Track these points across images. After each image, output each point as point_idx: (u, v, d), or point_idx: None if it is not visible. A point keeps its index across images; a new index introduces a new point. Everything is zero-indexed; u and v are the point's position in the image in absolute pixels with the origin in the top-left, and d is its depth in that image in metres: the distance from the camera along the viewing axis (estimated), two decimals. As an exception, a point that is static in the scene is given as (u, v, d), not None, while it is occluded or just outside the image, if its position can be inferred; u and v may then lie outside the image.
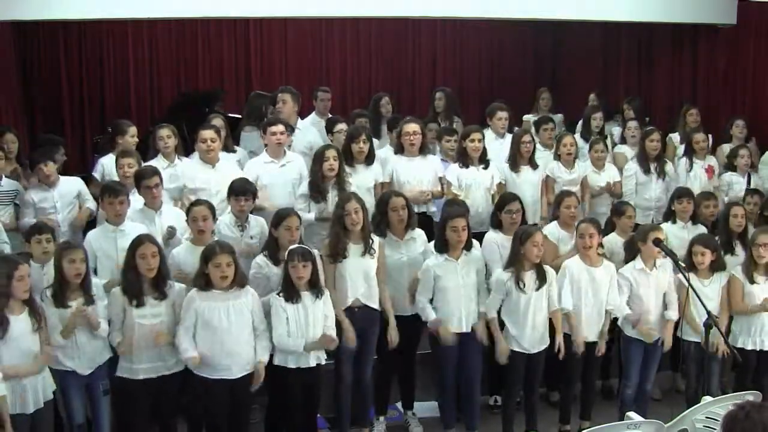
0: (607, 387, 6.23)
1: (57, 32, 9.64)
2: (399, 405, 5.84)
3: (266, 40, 10.58)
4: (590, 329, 5.39)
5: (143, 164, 6.01)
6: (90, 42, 9.89)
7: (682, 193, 6.18)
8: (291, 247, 4.89)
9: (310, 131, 7.16)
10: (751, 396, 3.90)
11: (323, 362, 4.96)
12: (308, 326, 4.82)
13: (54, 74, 9.78)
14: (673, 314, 5.43)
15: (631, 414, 4.00)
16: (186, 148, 6.69)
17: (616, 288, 5.41)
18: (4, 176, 6.05)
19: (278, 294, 4.85)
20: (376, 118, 7.63)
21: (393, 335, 5.30)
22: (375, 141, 7.34)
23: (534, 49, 11.51)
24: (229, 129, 6.88)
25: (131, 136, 6.66)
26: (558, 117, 8.63)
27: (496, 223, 5.65)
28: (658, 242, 5.30)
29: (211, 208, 5.22)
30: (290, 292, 4.81)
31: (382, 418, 5.67)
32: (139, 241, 4.70)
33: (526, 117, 8.63)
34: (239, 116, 7.91)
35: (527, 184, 6.59)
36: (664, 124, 8.08)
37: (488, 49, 11.42)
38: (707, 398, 4.10)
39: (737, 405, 2.80)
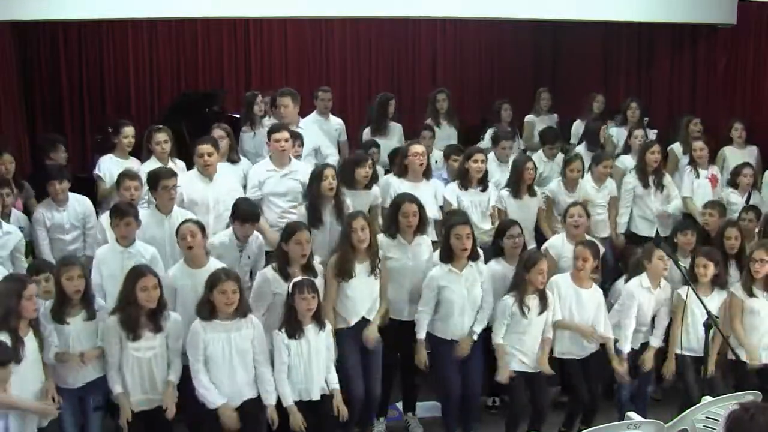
0: (608, 388, 6.22)
1: (57, 32, 9.63)
2: (399, 405, 5.84)
3: (266, 40, 10.57)
4: (577, 347, 5.38)
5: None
6: (90, 42, 9.88)
7: (685, 227, 6.04)
8: (296, 279, 4.80)
9: (312, 131, 7.15)
10: (751, 396, 3.90)
11: (334, 386, 4.88)
12: (311, 361, 4.76)
13: (54, 74, 9.77)
14: (656, 342, 5.47)
15: (631, 414, 4.01)
16: (186, 148, 6.68)
17: (605, 314, 5.39)
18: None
19: (280, 329, 4.76)
20: (382, 119, 7.63)
21: (369, 337, 5.21)
22: (380, 140, 7.37)
23: (534, 49, 11.50)
24: (233, 136, 6.82)
25: (124, 136, 6.63)
26: (553, 117, 8.63)
27: (498, 251, 5.62)
28: (657, 242, 5.34)
29: (199, 224, 5.11)
30: (294, 327, 4.73)
31: (382, 419, 5.67)
32: (140, 273, 4.58)
33: (528, 118, 8.62)
34: (239, 116, 7.92)
35: (526, 210, 6.47)
36: (662, 125, 8.08)
37: (488, 49, 11.41)
38: (707, 398, 4.10)
39: (741, 405, 2.74)
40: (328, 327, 4.90)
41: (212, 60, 10.39)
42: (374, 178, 6.15)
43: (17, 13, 7.02)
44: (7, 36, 8.64)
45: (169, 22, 9.85)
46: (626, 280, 5.63)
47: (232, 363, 4.63)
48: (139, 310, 4.56)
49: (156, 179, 5.54)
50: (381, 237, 5.38)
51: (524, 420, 5.34)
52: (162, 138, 6.33)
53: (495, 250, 5.66)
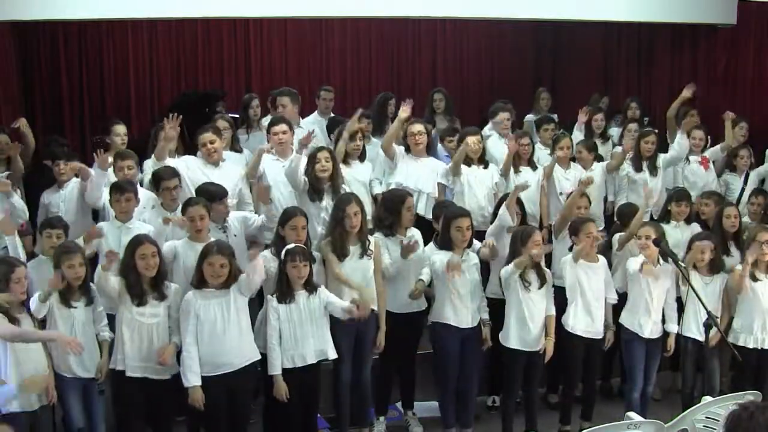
0: (607, 387, 6.25)
1: (57, 32, 9.62)
2: (399, 405, 5.84)
3: (266, 40, 10.57)
4: (596, 325, 5.42)
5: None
6: (90, 42, 9.87)
7: (681, 197, 6.18)
8: (288, 246, 4.89)
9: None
10: (751, 396, 3.90)
11: (331, 356, 4.96)
12: (302, 325, 4.84)
13: (54, 74, 9.77)
14: (673, 327, 5.49)
15: (631, 414, 4.02)
16: (186, 148, 6.67)
17: (610, 277, 5.53)
18: None
19: (272, 295, 4.87)
20: (381, 118, 7.64)
21: (381, 339, 5.33)
22: (379, 140, 7.39)
23: (534, 49, 11.51)
24: (234, 130, 6.88)
25: (116, 135, 6.66)
26: (552, 117, 8.62)
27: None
28: (657, 242, 5.31)
29: (207, 206, 5.20)
30: (285, 293, 4.84)
31: (382, 418, 5.68)
32: (138, 241, 4.71)
33: (527, 117, 8.63)
34: (237, 116, 7.91)
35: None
36: (663, 124, 8.08)
37: (488, 49, 11.41)
38: (707, 398, 4.10)
39: (741, 405, 2.76)
40: (321, 288, 4.94)
41: (212, 60, 10.38)
42: (364, 152, 6.29)
43: (17, 13, 7.01)
44: (7, 36, 8.63)
45: (169, 22, 9.84)
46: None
47: (228, 327, 4.67)
48: (140, 278, 4.67)
49: (158, 180, 5.59)
50: (376, 236, 5.41)
51: (516, 394, 5.44)
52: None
53: (493, 220, 5.75)
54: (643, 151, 7.01)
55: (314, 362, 4.91)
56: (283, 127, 6.16)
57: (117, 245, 5.07)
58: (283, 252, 4.87)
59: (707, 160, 7.23)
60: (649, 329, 5.45)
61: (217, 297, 4.69)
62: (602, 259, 5.56)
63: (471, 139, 6.40)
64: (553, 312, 5.34)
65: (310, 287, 4.91)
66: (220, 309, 4.68)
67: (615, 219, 6.46)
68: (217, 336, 4.66)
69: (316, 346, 4.90)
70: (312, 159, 5.81)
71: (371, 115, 7.59)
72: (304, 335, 4.85)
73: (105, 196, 5.63)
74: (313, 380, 4.96)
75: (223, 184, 5.62)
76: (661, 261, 5.46)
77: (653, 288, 5.43)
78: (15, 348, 4.36)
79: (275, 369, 4.81)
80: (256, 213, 5.83)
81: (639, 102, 8.36)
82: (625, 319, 5.52)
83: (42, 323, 4.66)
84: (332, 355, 4.97)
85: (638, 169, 7.01)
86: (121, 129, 6.73)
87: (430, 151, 6.56)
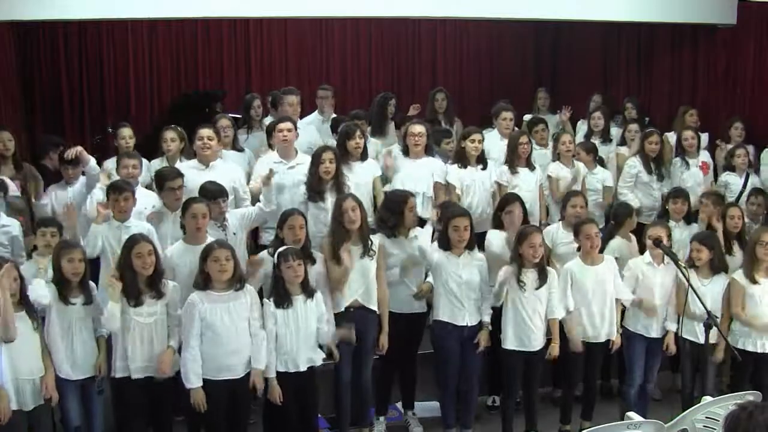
0: (607, 387, 6.24)
1: (57, 32, 9.63)
2: (399, 405, 5.84)
3: (266, 40, 10.57)
4: (599, 329, 5.41)
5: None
6: (90, 42, 9.88)
7: (677, 194, 6.21)
8: (279, 249, 4.87)
9: (309, 130, 7.16)
10: (751, 396, 3.90)
11: (318, 363, 4.94)
12: (299, 331, 4.81)
13: (54, 74, 9.77)
14: (672, 325, 5.48)
15: (631, 414, 4.01)
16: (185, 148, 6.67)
17: (620, 279, 5.48)
18: None
19: (268, 299, 4.83)
20: (381, 118, 7.64)
21: (384, 341, 5.32)
22: (379, 140, 7.38)
23: (534, 49, 11.51)
24: (236, 129, 6.93)
25: (121, 138, 6.66)
26: (555, 117, 8.64)
27: (498, 224, 5.69)
28: (658, 242, 5.31)
29: (208, 205, 5.20)
30: (282, 297, 4.79)
31: (382, 418, 5.68)
32: (134, 240, 4.70)
33: (526, 117, 8.63)
34: (239, 116, 7.92)
35: (525, 185, 6.60)
36: (663, 124, 8.09)
37: (488, 49, 11.41)
38: (707, 398, 4.10)
39: (740, 405, 2.77)
40: (318, 295, 4.91)
41: (212, 60, 10.38)
42: (365, 152, 6.28)
43: (17, 13, 7.01)
44: (7, 36, 8.63)
45: (169, 22, 9.84)
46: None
47: (233, 331, 4.65)
48: (136, 278, 4.65)
49: (161, 180, 5.59)
50: (378, 237, 5.41)
51: (515, 394, 5.43)
52: (169, 136, 6.33)
53: (495, 223, 5.74)
54: (648, 151, 7.03)
55: (304, 370, 4.87)
56: (289, 125, 6.15)
57: (116, 244, 5.08)
58: (275, 256, 4.83)
59: (707, 166, 7.22)
60: (654, 330, 5.47)
61: (224, 301, 4.66)
62: (609, 259, 5.53)
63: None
64: (555, 315, 5.29)
65: (308, 292, 4.86)
66: (227, 313, 4.65)
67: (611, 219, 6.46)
68: (223, 340, 4.63)
69: (307, 353, 4.87)
70: (316, 159, 5.81)
71: (371, 116, 7.61)
72: (299, 341, 4.81)
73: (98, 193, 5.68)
74: (309, 383, 4.93)
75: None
76: (665, 259, 5.46)
77: (658, 289, 5.44)
78: (9, 348, 4.34)
79: (270, 372, 4.78)
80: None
81: (636, 102, 8.36)
82: (629, 321, 5.52)
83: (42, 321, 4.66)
84: (319, 361, 4.94)
85: (650, 171, 7.02)
86: (126, 132, 6.72)
87: (429, 151, 6.53)
